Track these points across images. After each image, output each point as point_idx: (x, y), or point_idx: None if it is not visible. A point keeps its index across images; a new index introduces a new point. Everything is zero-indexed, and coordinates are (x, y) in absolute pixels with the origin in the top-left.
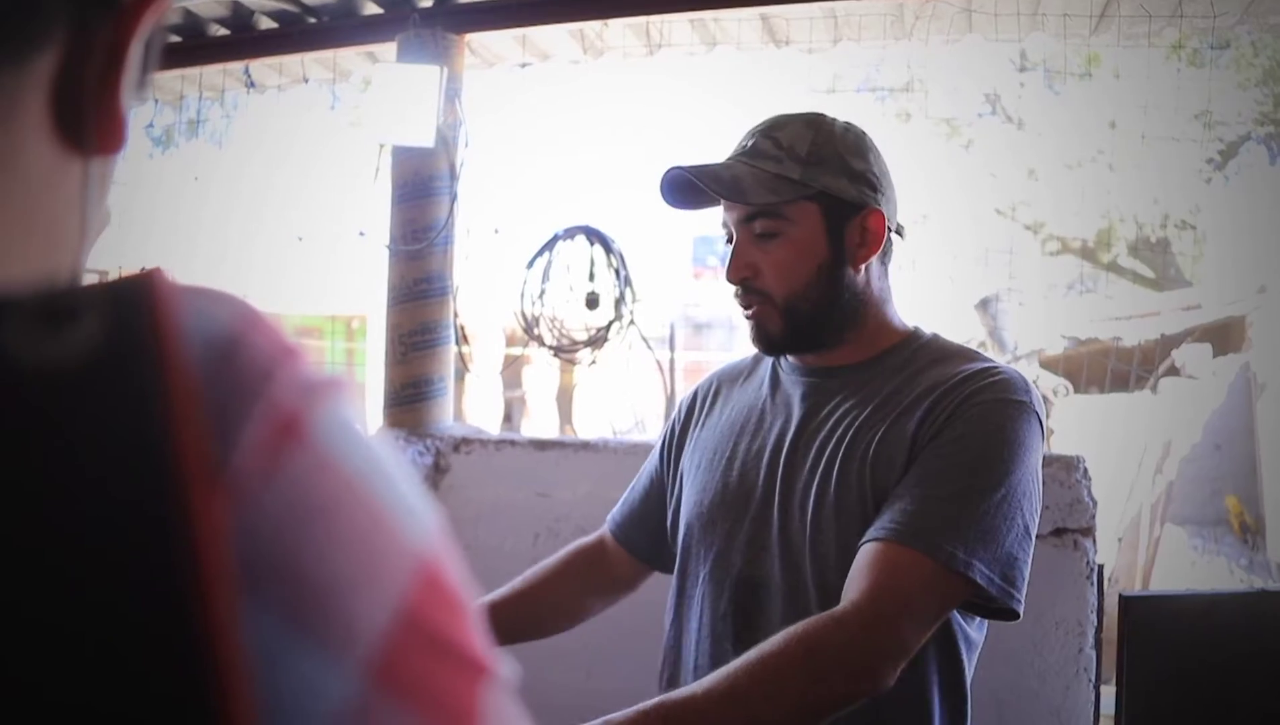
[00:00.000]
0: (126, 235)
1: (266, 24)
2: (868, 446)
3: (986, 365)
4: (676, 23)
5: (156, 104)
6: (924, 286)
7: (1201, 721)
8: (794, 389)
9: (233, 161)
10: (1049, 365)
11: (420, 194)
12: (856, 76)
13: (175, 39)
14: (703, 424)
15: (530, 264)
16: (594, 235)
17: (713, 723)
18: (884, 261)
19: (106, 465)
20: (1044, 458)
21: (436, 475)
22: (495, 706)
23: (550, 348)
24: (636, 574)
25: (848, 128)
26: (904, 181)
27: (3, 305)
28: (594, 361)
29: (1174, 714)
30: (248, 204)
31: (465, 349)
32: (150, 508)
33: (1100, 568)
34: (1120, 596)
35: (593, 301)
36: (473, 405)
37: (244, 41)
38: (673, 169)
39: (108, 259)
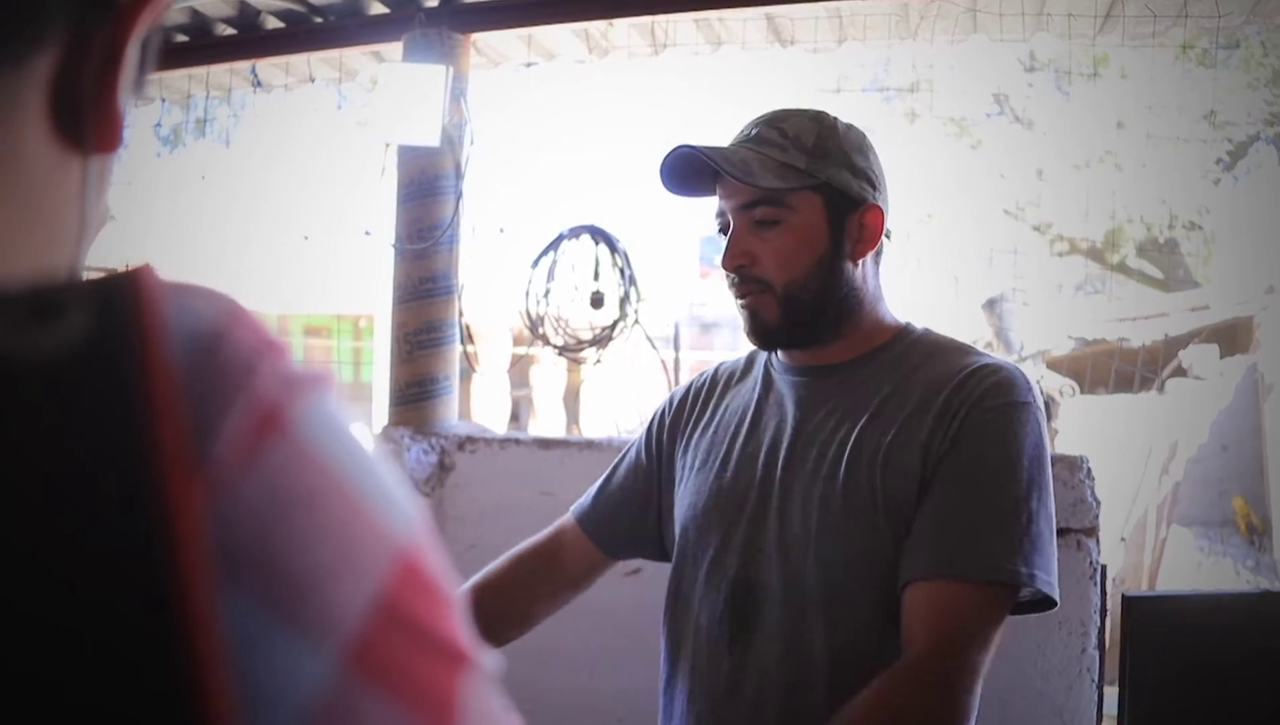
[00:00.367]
0: (134, 233)
1: (273, 23)
2: (876, 449)
3: (984, 362)
4: (681, 22)
5: (164, 103)
6: (930, 286)
7: (1204, 722)
8: (787, 389)
9: (239, 160)
10: (1055, 365)
11: (426, 193)
12: (863, 76)
13: (182, 38)
14: (697, 425)
15: (535, 263)
16: (599, 234)
17: None
18: (877, 261)
19: (87, 456)
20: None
21: (441, 473)
22: (475, 695)
23: (555, 347)
24: (590, 570)
25: (850, 126)
26: (911, 181)
27: None
28: (599, 361)
29: (1177, 714)
30: (254, 203)
31: (471, 348)
32: (130, 498)
33: (1104, 568)
34: (1123, 597)
35: (597, 301)
36: (480, 404)
37: (251, 41)
38: (680, 146)
39: (114, 257)
